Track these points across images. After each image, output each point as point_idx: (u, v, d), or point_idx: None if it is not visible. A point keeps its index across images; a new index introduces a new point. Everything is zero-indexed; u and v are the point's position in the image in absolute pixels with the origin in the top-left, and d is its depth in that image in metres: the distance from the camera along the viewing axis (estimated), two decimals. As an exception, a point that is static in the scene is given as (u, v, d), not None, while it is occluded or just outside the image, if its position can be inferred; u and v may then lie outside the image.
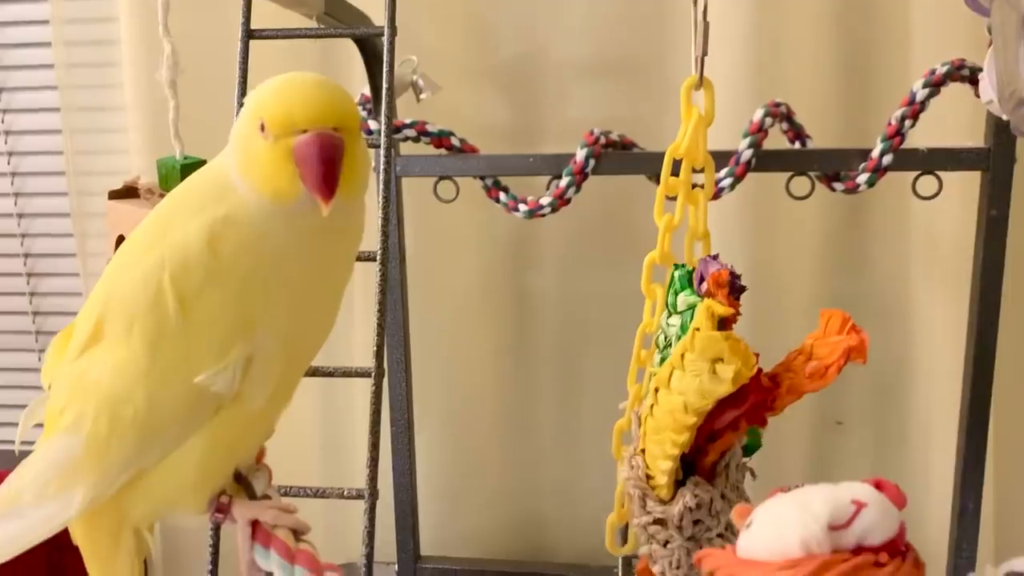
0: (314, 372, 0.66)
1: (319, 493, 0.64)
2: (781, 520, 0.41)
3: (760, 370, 0.59)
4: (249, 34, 0.71)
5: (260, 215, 0.50)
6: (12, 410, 1.33)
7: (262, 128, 0.49)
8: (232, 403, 0.51)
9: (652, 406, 0.59)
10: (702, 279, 0.59)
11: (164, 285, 0.49)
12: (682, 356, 0.54)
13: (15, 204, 1.27)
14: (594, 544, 0.88)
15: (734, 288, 0.55)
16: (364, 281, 1.04)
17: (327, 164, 0.48)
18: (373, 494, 0.62)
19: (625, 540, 0.82)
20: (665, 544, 0.63)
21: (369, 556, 0.61)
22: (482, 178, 0.93)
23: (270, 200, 0.49)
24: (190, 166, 0.74)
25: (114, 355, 0.51)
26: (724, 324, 0.54)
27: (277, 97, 0.49)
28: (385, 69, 0.67)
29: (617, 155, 0.90)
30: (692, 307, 0.57)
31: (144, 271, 0.50)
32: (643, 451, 0.63)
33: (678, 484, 0.61)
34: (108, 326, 0.51)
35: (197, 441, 0.52)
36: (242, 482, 0.56)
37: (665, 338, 0.62)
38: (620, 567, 0.87)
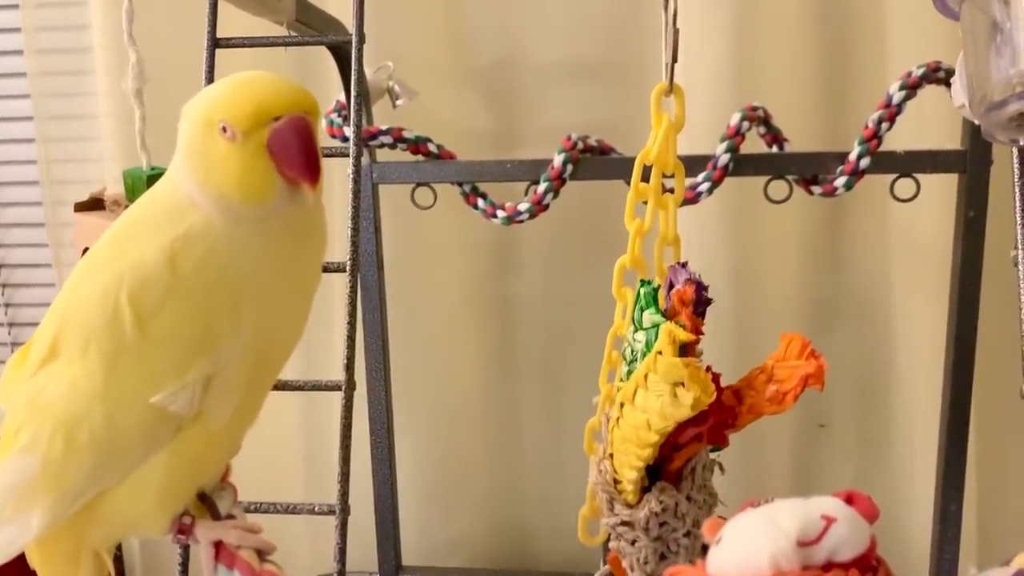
0: (284, 386, 0.65)
1: (290, 509, 0.63)
2: (750, 536, 0.40)
3: (722, 390, 0.59)
4: (215, 43, 0.70)
5: (224, 230, 0.49)
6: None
7: (224, 130, 0.47)
8: (194, 422, 0.50)
9: (618, 418, 0.59)
10: (672, 286, 0.59)
11: (122, 303, 0.48)
12: (645, 376, 0.54)
13: (-11, 214, 1.26)
14: (577, 551, 0.88)
15: (700, 303, 0.55)
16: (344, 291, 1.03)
17: (309, 146, 0.48)
18: (344, 510, 0.61)
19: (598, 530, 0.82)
20: (633, 543, 0.63)
21: (341, 573, 0.60)
22: (460, 184, 0.93)
23: (241, 205, 0.48)
24: (157, 177, 0.72)
25: (70, 373, 0.50)
26: (686, 349, 0.54)
27: (236, 95, 0.48)
28: (354, 77, 0.67)
29: (595, 160, 0.89)
30: (656, 325, 0.57)
31: (102, 288, 0.49)
32: (611, 455, 0.63)
33: (645, 489, 0.62)
34: (64, 343, 0.50)
35: (158, 461, 0.51)
36: (206, 502, 0.55)
37: (631, 352, 0.62)
38: (603, 553, 0.86)
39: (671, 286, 0.57)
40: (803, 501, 0.41)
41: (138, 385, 0.49)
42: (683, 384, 0.52)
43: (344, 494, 0.61)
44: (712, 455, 0.65)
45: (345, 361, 0.64)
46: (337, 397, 0.64)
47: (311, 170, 0.48)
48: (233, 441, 0.55)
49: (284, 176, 0.48)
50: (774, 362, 0.58)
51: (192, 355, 0.49)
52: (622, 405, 0.58)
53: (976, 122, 0.55)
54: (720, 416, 0.58)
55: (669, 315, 0.58)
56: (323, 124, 0.91)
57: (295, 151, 0.47)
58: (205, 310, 0.49)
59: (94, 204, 0.76)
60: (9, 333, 1.29)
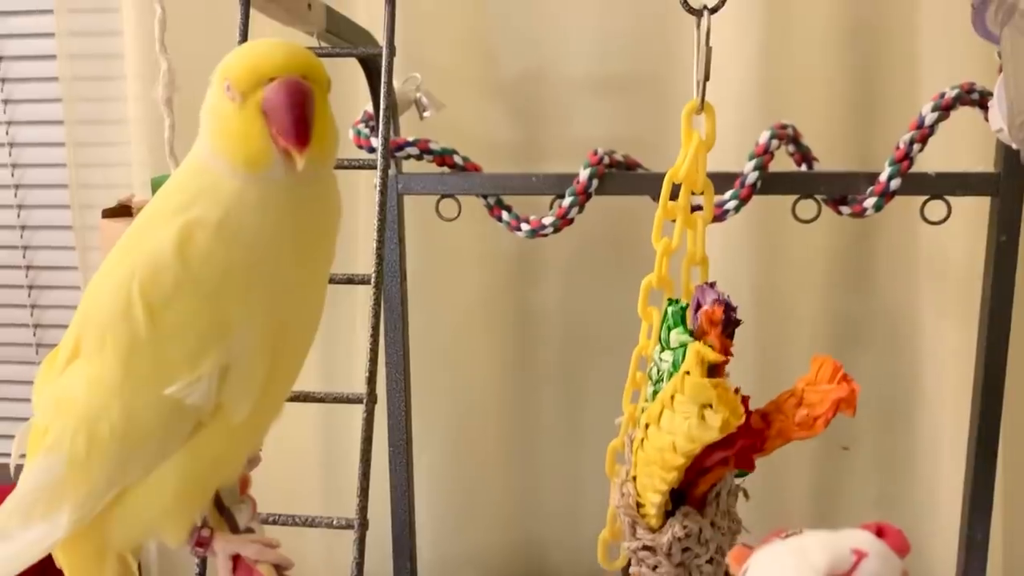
0: (306, 398, 0.65)
1: (309, 522, 0.63)
2: (778, 569, 0.40)
3: (750, 413, 0.58)
4: (246, 53, 0.70)
5: (233, 196, 0.48)
6: (13, 423, 1.33)
7: (228, 91, 0.47)
8: (213, 417, 0.50)
9: (643, 440, 0.58)
10: (699, 305, 0.58)
11: (133, 296, 0.48)
12: (672, 397, 0.53)
13: (18, 216, 1.27)
14: (594, 566, 0.87)
15: (728, 323, 0.54)
16: (368, 302, 1.03)
17: (297, 109, 0.46)
18: (363, 524, 0.60)
19: (618, 554, 0.81)
20: (654, 568, 0.62)
21: (358, 588, 0.60)
22: (484, 197, 0.92)
23: (244, 169, 0.48)
24: (185, 186, 0.73)
25: (89, 370, 0.50)
26: (714, 370, 0.53)
27: (240, 56, 0.48)
28: (383, 91, 0.66)
29: (620, 175, 0.89)
30: (684, 345, 0.56)
31: (116, 283, 0.49)
32: (634, 478, 0.62)
33: (668, 513, 0.60)
34: (85, 341, 0.50)
35: (176, 460, 0.50)
36: (225, 514, 0.55)
37: (658, 371, 0.61)
38: None
39: (698, 306, 0.57)
40: (833, 534, 0.40)
41: (153, 378, 0.48)
42: (711, 406, 0.51)
43: (363, 509, 0.60)
44: (737, 480, 0.64)
45: (367, 375, 0.63)
46: (357, 409, 0.64)
47: (299, 134, 0.46)
48: (254, 437, 0.54)
49: (276, 141, 0.47)
50: (804, 385, 0.56)
51: (204, 346, 0.48)
52: (647, 426, 0.57)
53: (1014, 147, 0.54)
54: (748, 439, 0.57)
55: (697, 335, 0.57)
56: (350, 134, 0.92)
57: (283, 112, 0.46)
58: (216, 297, 0.48)
59: (121, 211, 0.77)
60: (35, 335, 1.30)
